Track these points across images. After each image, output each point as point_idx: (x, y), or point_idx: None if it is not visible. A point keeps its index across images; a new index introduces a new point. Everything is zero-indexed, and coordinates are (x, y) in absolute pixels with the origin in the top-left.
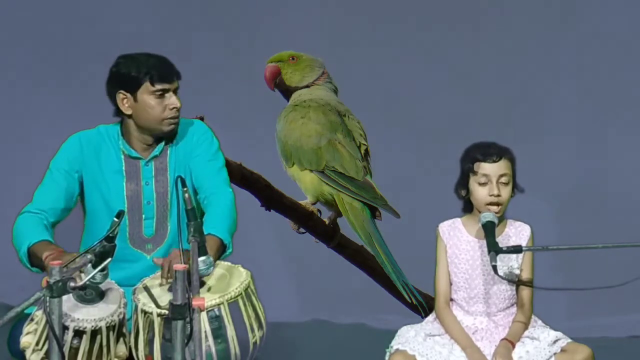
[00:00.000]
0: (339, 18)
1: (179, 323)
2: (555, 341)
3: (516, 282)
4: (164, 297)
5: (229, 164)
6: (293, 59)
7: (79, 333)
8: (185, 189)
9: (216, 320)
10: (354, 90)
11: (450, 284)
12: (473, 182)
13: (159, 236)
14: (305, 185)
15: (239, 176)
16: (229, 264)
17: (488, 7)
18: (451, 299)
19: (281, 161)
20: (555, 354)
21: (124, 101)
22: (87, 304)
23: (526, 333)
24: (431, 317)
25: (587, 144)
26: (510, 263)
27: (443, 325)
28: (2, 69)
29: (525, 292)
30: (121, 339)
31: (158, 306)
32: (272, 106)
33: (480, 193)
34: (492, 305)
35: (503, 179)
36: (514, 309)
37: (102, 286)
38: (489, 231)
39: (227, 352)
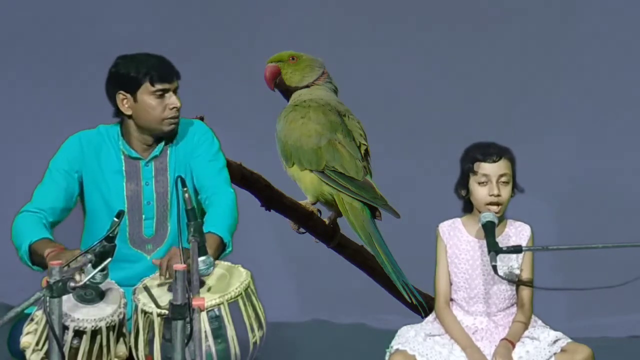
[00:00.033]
0: (339, 18)
1: (179, 323)
2: (555, 341)
3: (516, 282)
4: (164, 297)
5: (229, 164)
6: (293, 59)
7: (79, 333)
8: (185, 189)
9: (216, 320)
10: (354, 90)
11: (450, 284)
12: (473, 182)
13: (159, 236)
14: (305, 185)
15: (239, 176)
16: (229, 264)
17: (488, 7)
18: (451, 299)
19: (281, 161)
20: (555, 354)
21: (124, 102)
22: (87, 304)
23: (526, 333)
24: (431, 317)
25: (587, 144)
26: (510, 263)
27: (443, 325)
28: (2, 69)
29: (525, 292)
30: (121, 339)
31: (158, 306)
32: (272, 106)
33: (480, 193)
34: (492, 305)
35: (503, 179)
36: (514, 309)
37: (102, 286)
38: (489, 231)
39: (227, 352)
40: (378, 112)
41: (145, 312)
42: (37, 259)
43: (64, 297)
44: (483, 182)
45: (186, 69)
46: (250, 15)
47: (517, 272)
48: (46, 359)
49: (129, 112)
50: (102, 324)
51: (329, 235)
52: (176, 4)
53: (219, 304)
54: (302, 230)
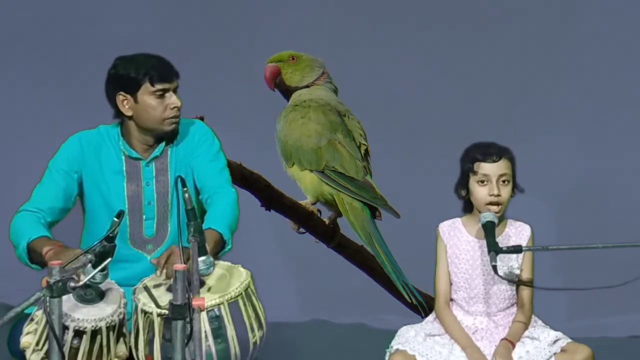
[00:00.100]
0: (339, 18)
1: (179, 323)
2: (555, 341)
3: (516, 282)
4: (164, 297)
5: (228, 164)
6: (293, 59)
7: (79, 333)
8: (185, 189)
9: (216, 320)
10: (354, 90)
11: (450, 284)
12: (473, 182)
13: (159, 236)
14: (305, 185)
15: (239, 176)
16: (229, 264)
17: (488, 7)
18: (451, 299)
19: (281, 161)
20: (555, 354)
21: (124, 103)
22: (87, 304)
23: (526, 333)
24: (431, 317)
25: (587, 144)
26: (510, 263)
27: (443, 325)
28: (2, 69)
29: (525, 292)
30: (121, 339)
31: (158, 306)
32: (272, 106)
33: (480, 193)
34: (492, 305)
35: (503, 179)
36: (514, 309)
37: (102, 286)
38: (489, 231)
39: (227, 352)
40: (378, 112)
41: (145, 312)
42: (35, 257)
43: (64, 297)
44: (483, 182)
45: (186, 69)
46: (250, 15)
47: (517, 272)
48: (46, 359)
49: (129, 113)
50: (102, 324)
51: (329, 235)
52: (176, 4)
53: (219, 304)
54: (302, 230)
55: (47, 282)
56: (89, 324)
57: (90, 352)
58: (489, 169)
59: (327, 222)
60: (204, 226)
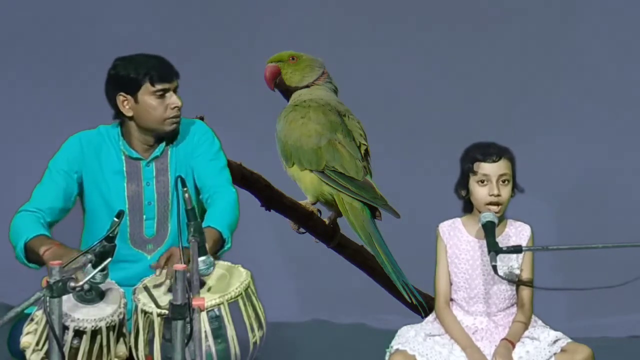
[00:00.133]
0: (339, 18)
1: (179, 323)
2: (555, 341)
3: (516, 282)
4: (164, 297)
5: (229, 164)
6: (293, 59)
7: (79, 333)
8: (185, 189)
9: (216, 320)
10: (354, 90)
11: (451, 284)
12: (473, 182)
13: (159, 236)
14: (305, 185)
15: (239, 176)
16: (229, 264)
17: (488, 7)
18: (451, 299)
19: (281, 161)
20: (555, 354)
21: (125, 103)
22: (87, 304)
23: (526, 333)
24: (431, 317)
25: (587, 144)
26: (510, 263)
27: (443, 325)
28: (2, 69)
29: (526, 292)
30: (121, 339)
31: (158, 306)
32: (272, 106)
33: (480, 193)
34: (492, 305)
35: (503, 179)
36: (514, 309)
37: (102, 286)
38: (489, 231)
39: (227, 352)
40: (378, 112)
41: (145, 312)
42: (32, 257)
43: (64, 297)
44: (483, 182)
45: (186, 69)
46: (250, 15)
47: (517, 272)
48: (46, 359)
49: (130, 114)
50: (102, 324)
51: (329, 235)
52: (176, 4)
53: (219, 304)
54: (302, 230)
55: (47, 282)
56: (89, 324)
57: (90, 352)
58: (489, 169)
59: (327, 222)
60: (204, 224)
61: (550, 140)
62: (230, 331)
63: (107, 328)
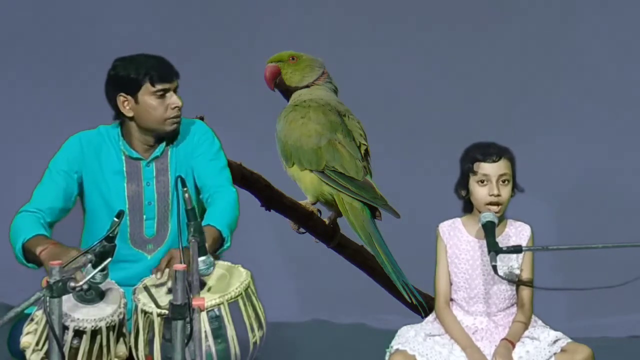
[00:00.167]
0: (339, 18)
1: (179, 323)
2: (555, 341)
3: (516, 282)
4: (164, 297)
5: (229, 164)
6: (293, 59)
7: (79, 333)
8: (185, 189)
9: (216, 320)
10: (354, 90)
11: (451, 284)
12: (473, 182)
13: (160, 236)
14: (305, 185)
15: (239, 176)
16: (229, 264)
17: (488, 7)
18: (451, 299)
19: (281, 161)
20: (555, 354)
21: (125, 104)
22: (87, 304)
23: (526, 333)
24: (431, 317)
25: (587, 144)
26: (510, 263)
27: (443, 325)
28: (2, 69)
29: (526, 292)
30: (121, 339)
31: (158, 306)
32: (272, 106)
33: (480, 193)
34: (492, 305)
35: (503, 179)
36: (514, 309)
37: (102, 286)
38: (489, 231)
39: (227, 352)
40: (378, 112)
41: (145, 312)
42: (30, 257)
43: (64, 297)
44: (483, 182)
45: (186, 69)
46: (250, 15)
47: (517, 272)
48: (46, 359)
49: (130, 114)
50: (102, 324)
51: (329, 235)
52: (176, 4)
53: (219, 304)
54: (302, 230)
55: (47, 282)
56: (89, 324)
57: (90, 352)
58: (488, 169)
59: (327, 222)
60: (203, 223)
61: (550, 140)
62: (230, 331)
63: (107, 328)
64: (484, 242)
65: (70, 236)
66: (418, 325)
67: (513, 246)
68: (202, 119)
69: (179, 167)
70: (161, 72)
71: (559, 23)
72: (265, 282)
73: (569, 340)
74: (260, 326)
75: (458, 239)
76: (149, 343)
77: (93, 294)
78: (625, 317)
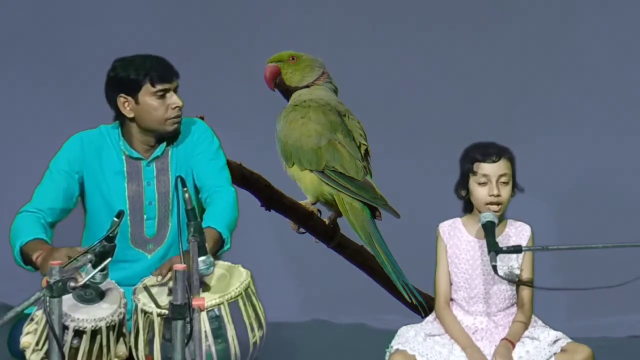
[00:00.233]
0: (339, 18)
1: (179, 323)
2: (555, 341)
3: (516, 282)
4: (164, 297)
5: (229, 164)
6: (293, 59)
7: (79, 333)
8: (185, 188)
9: (216, 320)
10: (354, 90)
11: (451, 284)
12: (473, 183)
13: (160, 236)
14: (305, 185)
15: (239, 176)
16: (229, 264)
17: (488, 7)
18: (451, 299)
19: (281, 161)
20: (555, 354)
21: (125, 104)
22: (87, 304)
23: (526, 333)
24: (431, 317)
25: (587, 144)
26: (510, 263)
27: (443, 325)
28: (2, 69)
29: (526, 292)
30: (121, 339)
31: (158, 306)
32: (272, 106)
33: (480, 193)
34: (492, 305)
35: (503, 179)
36: (514, 309)
37: (102, 286)
38: (489, 231)
39: (227, 352)
40: (378, 112)
41: (145, 312)
42: (28, 260)
43: (64, 297)
44: (483, 183)
45: (186, 69)
46: (250, 15)
47: (517, 272)
48: (46, 359)
49: (131, 115)
50: (102, 324)
51: (329, 235)
52: (176, 4)
53: (219, 304)
54: (302, 230)
55: (47, 282)
56: (89, 323)
57: (90, 352)
58: (488, 169)
59: (327, 222)
60: (203, 225)
61: (550, 140)
62: (230, 331)
63: (107, 328)
64: (484, 242)
65: (70, 236)
66: (418, 325)
67: (513, 246)
68: (202, 118)
69: (180, 167)
70: (161, 72)
71: (559, 23)
72: (265, 282)
73: (569, 340)
74: (260, 326)
75: (458, 239)
76: (149, 343)
77: (93, 294)
78: (625, 317)
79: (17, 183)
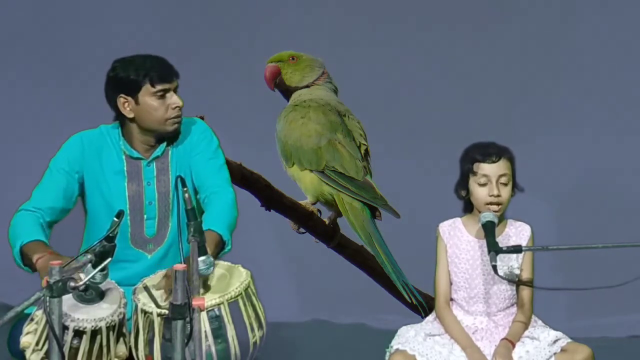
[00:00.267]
0: (339, 18)
1: (179, 323)
2: (555, 341)
3: (516, 282)
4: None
5: (229, 164)
6: (293, 59)
7: (79, 333)
8: (185, 188)
9: (216, 320)
10: (354, 90)
11: (451, 284)
12: (473, 183)
13: (160, 236)
14: (305, 185)
15: (239, 176)
16: (229, 264)
17: (488, 7)
18: (451, 299)
19: (281, 161)
20: (555, 354)
21: (125, 105)
22: (87, 304)
23: (526, 333)
24: (431, 317)
25: (587, 144)
26: (510, 263)
27: (443, 325)
28: (2, 69)
29: (526, 292)
30: (121, 339)
31: (158, 306)
32: (272, 106)
33: (480, 193)
34: (492, 305)
35: (503, 179)
36: (514, 309)
37: (102, 286)
38: (489, 231)
39: (227, 352)
40: (378, 112)
41: (145, 312)
42: (27, 261)
43: (64, 297)
44: (483, 183)
45: (186, 69)
46: (250, 15)
47: (517, 272)
48: (46, 359)
49: (131, 115)
50: (102, 324)
51: (329, 235)
52: (176, 4)
53: (219, 304)
54: (302, 230)
55: (47, 282)
56: (89, 323)
57: (90, 352)
58: (488, 169)
59: (327, 222)
60: (203, 227)
61: (550, 140)
62: (230, 331)
63: (107, 328)
64: (484, 242)
65: (70, 236)
66: (418, 325)
67: (513, 246)
68: (202, 118)
69: (180, 167)
70: (161, 72)
71: (559, 23)
72: (265, 282)
73: (569, 340)
74: (260, 326)
75: (458, 239)
76: (149, 343)
77: (93, 294)
78: (625, 317)
79: (17, 183)
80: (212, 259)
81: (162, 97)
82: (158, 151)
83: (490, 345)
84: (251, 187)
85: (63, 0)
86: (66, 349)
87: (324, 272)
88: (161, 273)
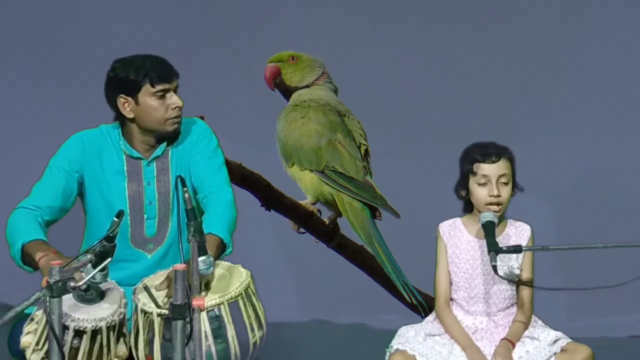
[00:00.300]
0: (339, 18)
1: (179, 323)
2: (555, 341)
3: (516, 282)
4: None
5: (228, 164)
6: (293, 59)
7: (79, 333)
8: (185, 188)
9: (216, 320)
10: (354, 90)
11: (451, 284)
12: (473, 183)
13: (160, 236)
14: (305, 185)
15: (239, 176)
16: (229, 264)
17: (488, 7)
18: (451, 299)
19: (281, 161)
20: (555, 354)
21: (125, 105)
22: (87, 303)
23: (526, 333)
24: (431, 317)
25: (587, 144)
26: (510, 263)
27: (443, 325)
28: (2, 69)
29: (526, 292)
30: (121, 339)
31: (158, 306)
32: (272, 106)
33: (480, 193)
34: (492, 305)
35: (503, 179)
36: (514, 309)
37: (102, 286)
38: (489, 231)
39: (227, 352)
40: (378, 112)
41: (145, 312)
42: (27, 260)
43: (64, 297)
44: (483, 183)
45: (186, 69)
46: (250, 15)
47: (517, 272)
48: (46, 358)
49: (131, 115)
50: (102, 324)
51: (329, 235)
52: (176, 4)
53: (219, 304)
54: (302, 230)
55: (47, 282)
56: (89, 323)
57: (90, 352)
58: (488, 169)
59: (327, 222)
60: (203, 231)
61: (550, 140)
62: (230, 331)
63: (107, 328)
64: (484, 242)
65: (70, 236)
66: (418, 325)
67: (513, 246)
68: (202, 118)
69: (180, 167)
70: (161, 72)
71: (559, 23)
72: (265, 282)
73: (569, 340)
74: (260, 326)
75: (458, 239)
76: (149, 343)
77: (93, 294)
78: (625, 317)
79: (17, 183)
80: (212, 259)
81: (162, 97)
82: (158, 151)
83: (490, 345)
84: (251, 187)
85: (63, 0)
86: (66, 349)
87: (324, 272)
88: (161, 273)
